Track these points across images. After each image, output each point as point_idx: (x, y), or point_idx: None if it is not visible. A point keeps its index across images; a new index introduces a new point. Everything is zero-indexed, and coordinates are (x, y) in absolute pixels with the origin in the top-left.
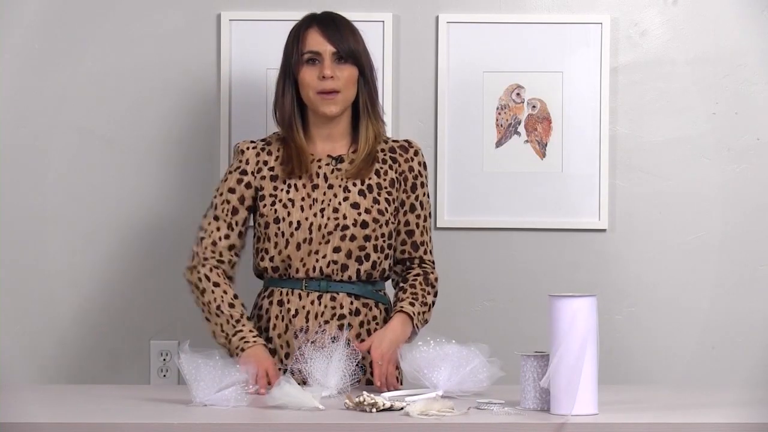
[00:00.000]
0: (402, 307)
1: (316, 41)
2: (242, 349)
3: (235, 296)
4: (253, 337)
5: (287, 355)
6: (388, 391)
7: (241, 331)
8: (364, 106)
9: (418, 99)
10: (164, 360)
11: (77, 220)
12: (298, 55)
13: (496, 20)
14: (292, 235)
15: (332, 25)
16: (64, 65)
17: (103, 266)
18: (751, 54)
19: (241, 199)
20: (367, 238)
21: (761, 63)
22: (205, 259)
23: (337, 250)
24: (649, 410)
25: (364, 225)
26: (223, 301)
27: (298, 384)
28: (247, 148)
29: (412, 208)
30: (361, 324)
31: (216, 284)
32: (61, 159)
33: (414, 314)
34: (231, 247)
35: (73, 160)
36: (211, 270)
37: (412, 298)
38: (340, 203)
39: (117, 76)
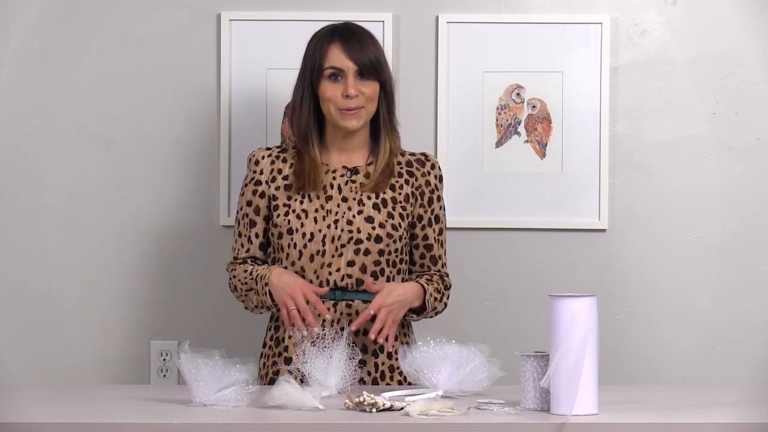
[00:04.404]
0: (417, 280)
1: (338, 57)
2: (266, 282)
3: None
4: (266, 268)
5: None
6: (382, 342)
7: (256, 272)
8: (384, 120)
9: (418, 99)
10: (164, 360)
11: (77, 220)
12: (319, 70)
13: (496, 20)
14: (305, 246)
15: (354, 40)
16: (64, 65)
17: (104, 266)
18: (751, 54)
19: (257, 210)
20: (381, 252)
21: (761, 63)
22: (234, 271)
23: (351, 264)
24: (649, 410)
25: (378, 239)
26: (244, 272)
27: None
28: (262, 158)
29: (430, 222)
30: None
31: (238, 273)
32: (61, 159)
33: (427, 290)
34: (254, 260)
35: (73, 160)
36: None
37: (428, 281)
38: (354, 216)
39: (117, 76)
